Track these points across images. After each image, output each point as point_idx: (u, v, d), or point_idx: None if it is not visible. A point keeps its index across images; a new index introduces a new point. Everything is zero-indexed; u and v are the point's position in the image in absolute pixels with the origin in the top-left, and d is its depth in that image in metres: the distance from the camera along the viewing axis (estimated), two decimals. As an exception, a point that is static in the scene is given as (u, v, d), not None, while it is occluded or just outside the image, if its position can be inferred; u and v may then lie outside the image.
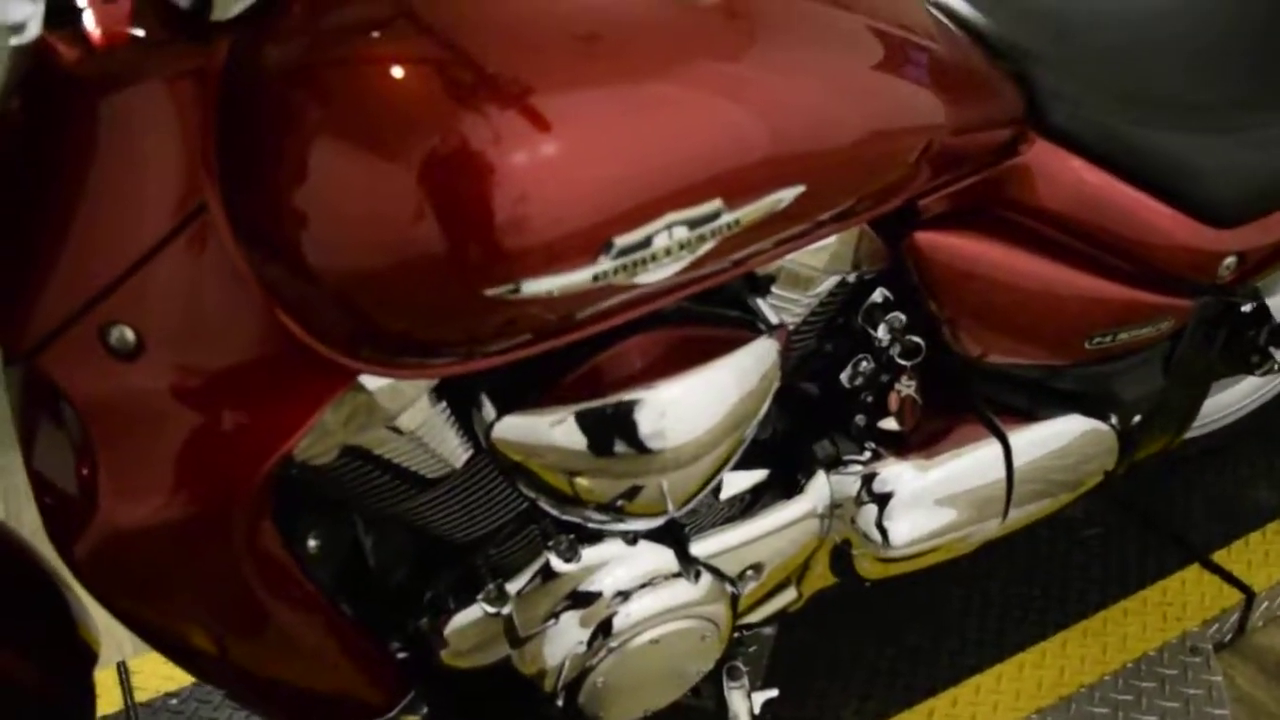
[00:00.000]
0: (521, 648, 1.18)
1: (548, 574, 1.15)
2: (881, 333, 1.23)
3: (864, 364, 1.27)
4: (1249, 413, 1.90)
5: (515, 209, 0.78)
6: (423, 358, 0.90)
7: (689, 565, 1.20)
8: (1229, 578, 1.71)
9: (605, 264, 0.83)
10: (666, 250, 0.85)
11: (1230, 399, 1.88)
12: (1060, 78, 1.21)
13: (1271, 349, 1.44)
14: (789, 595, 1.38)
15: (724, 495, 1.24)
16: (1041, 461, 1.35)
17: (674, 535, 1.21)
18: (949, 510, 1.32)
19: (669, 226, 0.84)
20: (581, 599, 1.17)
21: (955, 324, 1.25)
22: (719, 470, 1.08)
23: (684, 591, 1.20)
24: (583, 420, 0.98)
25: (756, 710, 1.37)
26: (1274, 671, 1.68)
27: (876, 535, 1.30)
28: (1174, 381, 1.40)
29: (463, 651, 1.18)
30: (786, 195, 0.90)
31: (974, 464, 1.32)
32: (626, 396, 0.98)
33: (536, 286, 0.81)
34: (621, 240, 0.82)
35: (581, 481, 1.02)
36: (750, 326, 1.05)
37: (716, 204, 0.86)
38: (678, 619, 1.20)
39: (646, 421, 0.99)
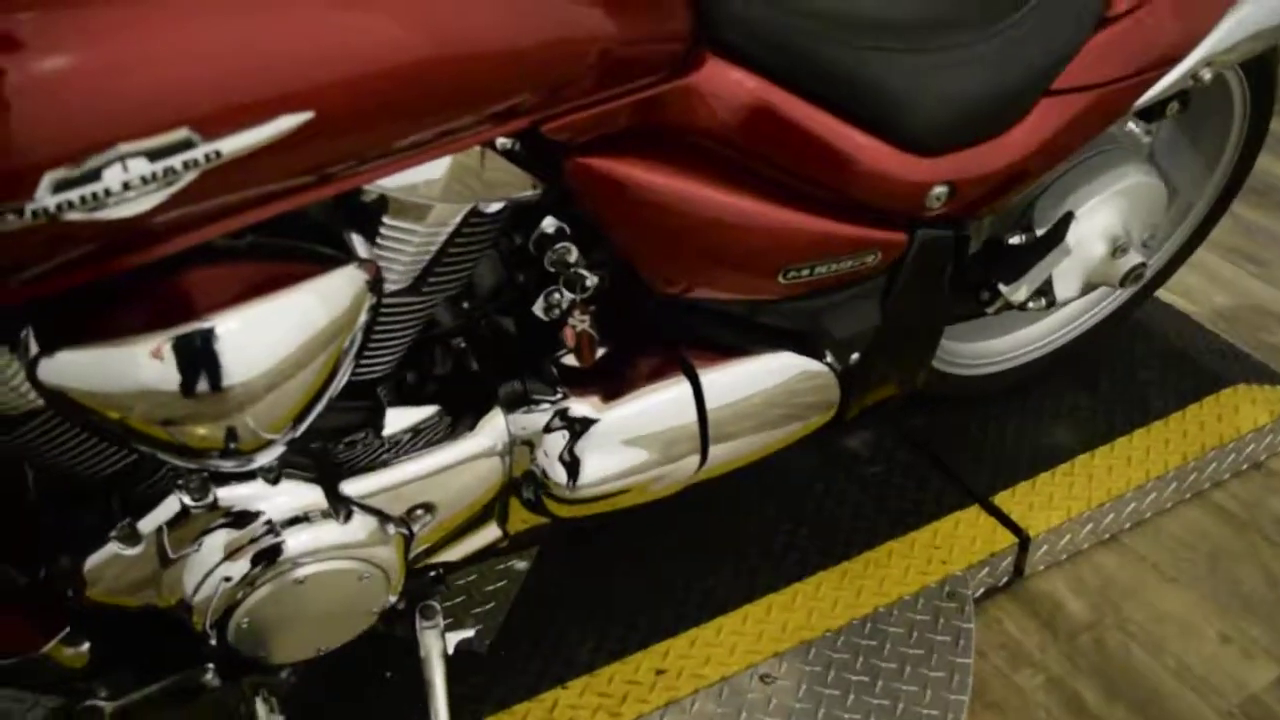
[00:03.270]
0: (160, 586, 1.14)
1: (180, 514, 1.10)
2: (549, 264, 1.18)
3: (555, 296, 1.21)
4: (1052, 351, 1.83)
5: None
6: None
7: (338, 504, 1.15)
8: (1005, 520, 1.65)
9: (46, 200, 0.76)
10: (126, 185, 0.79)
11: (1029, 337, 1.80)
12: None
13: (1000, 286, 1.36)
14: (491, 534, 1.32)
15: (386, 432, 1.19)
16: (744, 400, 1.29)
17: (323, 472, 1.16)
18: (637, 450, 1.26)
19: (121, 159, 0.77)
20: (218, 535, 1.13)
21: (632, 256, 1.19)
22: (309, 404, 1.02)
23: (332, 532, 1.15)
24: (132, 356, 0.92)
25: (450, 650, 1.33)
26: (1046, 618, 1.62)
27: (559, 475, 1.25)
28: (896, 319, 1.33)
29: (105, 591, 1.14)
30: (286, 124, 0.83)
31: (662, 403, 1.26)
32: (179, 330, 0.92)
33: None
34: (57, 175, 0.76)
35: (150, 425, 0.96)
36: (335, 258, 0.99)
37: (183, 134, 0.79)
38: (327, 560, 1.15)
39: (202, 355, 0.93)
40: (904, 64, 1.17)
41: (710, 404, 1.27)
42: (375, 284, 1.00)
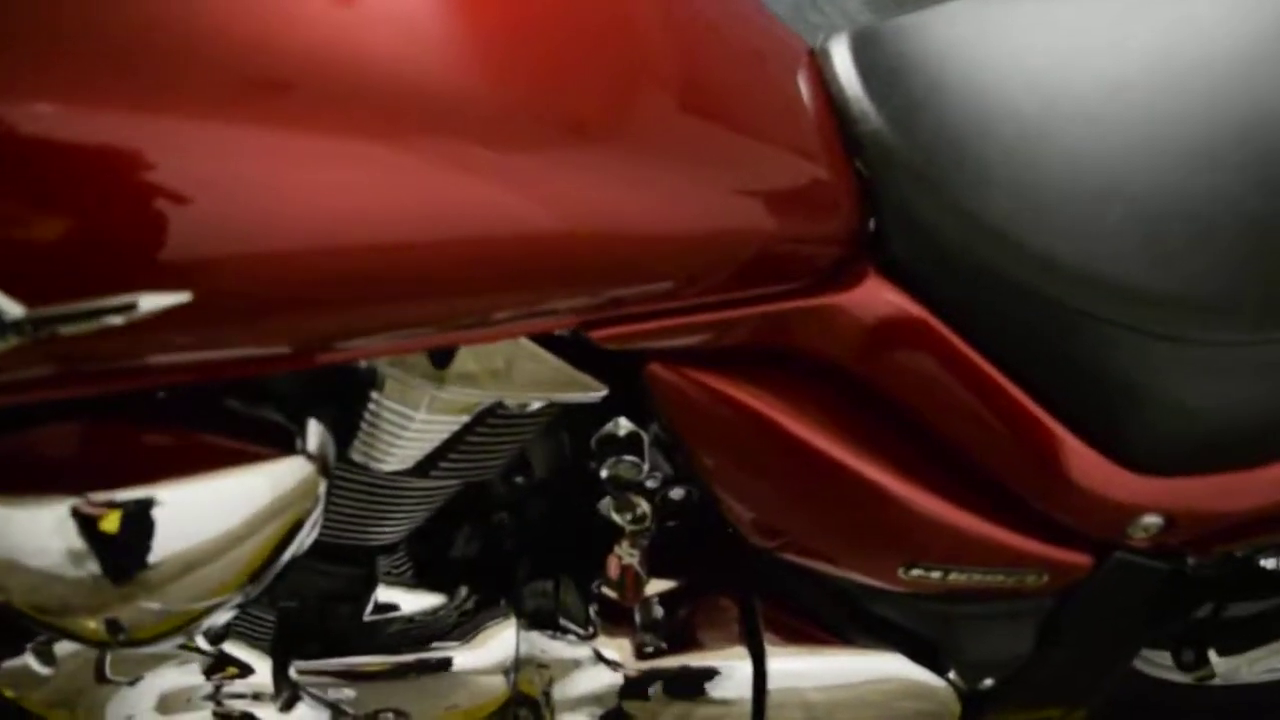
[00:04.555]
0: (73, 711, 0.98)
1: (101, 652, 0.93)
2: (605, 474, 0.92)
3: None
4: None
5: None
6: None
7: (284, 685, 0.95)
8: None
9: None
10: None
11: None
12: (938, 204, 0.82)
13: (1210, 651, 0.99)
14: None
15: (370, 615, 0.97)
16: (819, 697, 1.00)
17: (279, 643, 0.96)
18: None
19: None
20: (145, 684, 0.96)
21: (715, 491, 0.91)
22: (214, 603, 0.80)
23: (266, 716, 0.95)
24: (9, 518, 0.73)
25: None
26: None
27: (556, 721, 1.00)
28: (1056, 651, 0.99)
29: (20, 697, 0.98)
30: (149, 303, 0.60)
31: (711, 672, 0.98)
32: (72, 500, 0.72)
33: None
34: None
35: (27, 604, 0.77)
36: (282, 439, 0.76)
37: None
38: (259, 748, 0.95)
39: (96, 533, 0.73)
40: (1142, 351, 0.83)
41: (774, 685, 0.99)
42: (325, 472, 0.77)
